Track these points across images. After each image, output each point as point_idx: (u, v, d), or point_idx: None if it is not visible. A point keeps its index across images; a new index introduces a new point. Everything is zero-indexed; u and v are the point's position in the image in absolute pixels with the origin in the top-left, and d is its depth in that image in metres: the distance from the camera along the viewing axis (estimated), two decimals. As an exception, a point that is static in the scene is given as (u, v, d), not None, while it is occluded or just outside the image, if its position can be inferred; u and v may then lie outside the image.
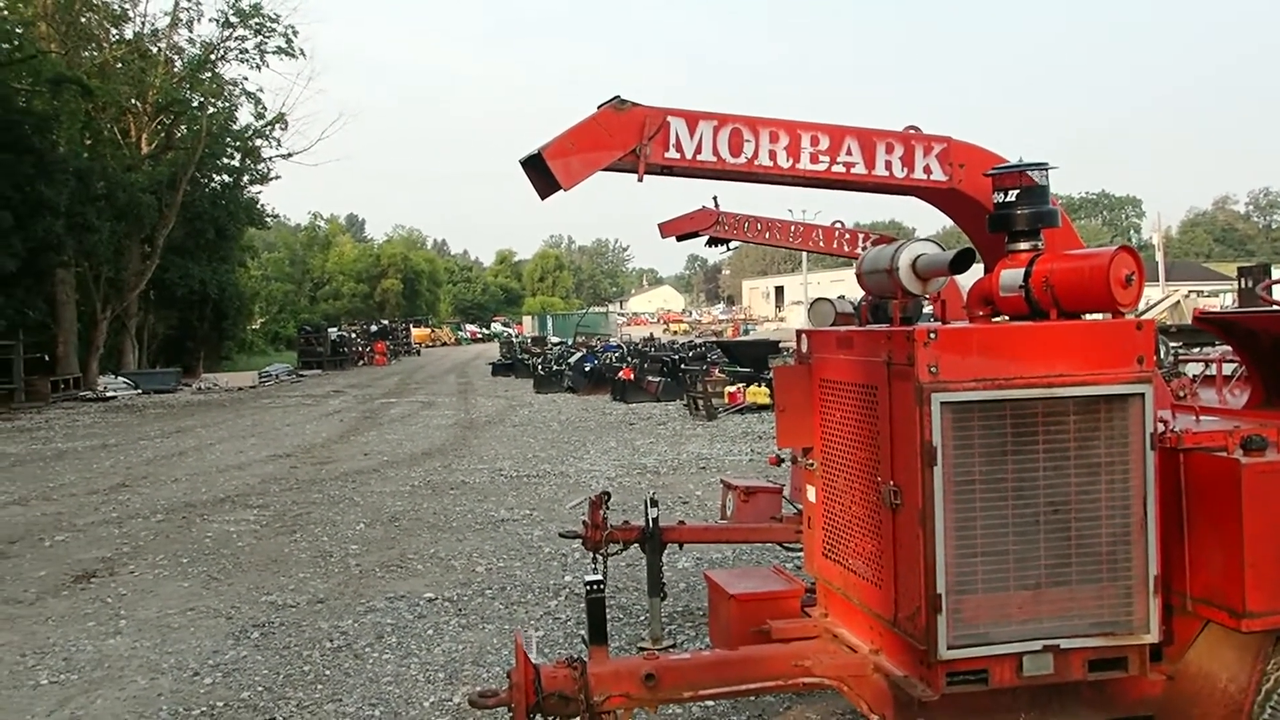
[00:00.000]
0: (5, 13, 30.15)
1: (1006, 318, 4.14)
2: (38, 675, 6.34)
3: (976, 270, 4.28)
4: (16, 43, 29.50)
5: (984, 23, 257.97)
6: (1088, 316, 3.94)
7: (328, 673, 6.20)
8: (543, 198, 4.40)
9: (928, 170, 4.67)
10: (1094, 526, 3.70)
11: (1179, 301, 33.22)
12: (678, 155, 4.42)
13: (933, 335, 3.63)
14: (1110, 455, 3.70)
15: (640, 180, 4.46)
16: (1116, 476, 3.70)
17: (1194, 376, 5.54)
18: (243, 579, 8.55)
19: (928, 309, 4.65)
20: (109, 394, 30.19)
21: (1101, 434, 3.69)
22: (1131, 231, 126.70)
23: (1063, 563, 3.69)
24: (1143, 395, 3.70)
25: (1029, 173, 4.06)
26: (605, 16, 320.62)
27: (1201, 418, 4.10)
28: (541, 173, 4.26)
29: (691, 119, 4.43)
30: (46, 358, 31.45)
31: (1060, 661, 3.71)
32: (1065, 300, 3.85)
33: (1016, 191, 4.06)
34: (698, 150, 4.45)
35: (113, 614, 7.62)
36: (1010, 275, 4.03)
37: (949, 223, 5.79)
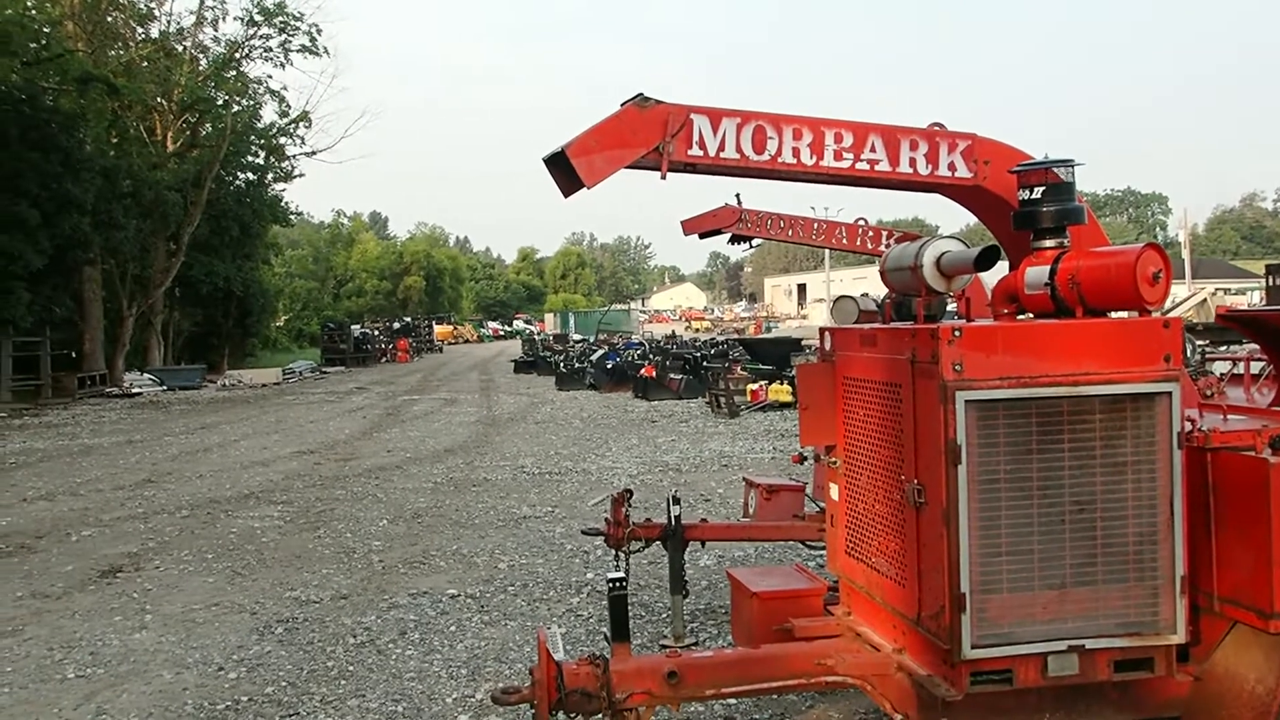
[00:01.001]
0: (33, 12, 30.41)
1: (1032, 315, 4.11)
2: (65, 669, 6.40)
3: (1001, 268, 4.26)
4: (44, 42, 29.75)
5: (1006, 16, 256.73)
6: (1114, 314, 3.92)
7: (351, 668, 6.23)
8: (566, 195, 4.40)
9: (952, 167, 4.65)
10: (1120, 526, 3.68)
11: (1205, 299, 32.99)
12: (701, 153, 4.42)
13: (957, 333, 3.62)
14: (1136, 454, 3.68)
15: (663, 178, 4.45)
16: (1143, 475, 3.68)
17: (1221, 375, 5.51)
18: (267, 575, 8.60)
19: (951, 307, 4.63)
20: (135, 390, 30.45)
21: (1128, 433, 3.67)
22: (1157, 229, 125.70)
23: (1088, 562, 3.67)
24: (1170, 394, 3.67)
25: (1054, 169, 4.03)
26: (628, 16, 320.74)
27: (1229, 416, 4.06)
28: (565, 170, 4.26)
29: (715, 116, 4.42)
30: (73, 354, 31.78)
31: (1085, 662, 3.69)
32: (1091, 298, 3.82)
33: (1042, 188, 4.04)
34: (721, 148, 4.44)
35: (138, 609, 7.68)
36: (1035, 273, 4.01)
37: (973, 220, 5.77)
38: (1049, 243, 4.05)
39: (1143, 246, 3.77)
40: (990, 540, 3.62)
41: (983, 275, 4.31)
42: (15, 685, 6.13)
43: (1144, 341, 3.72)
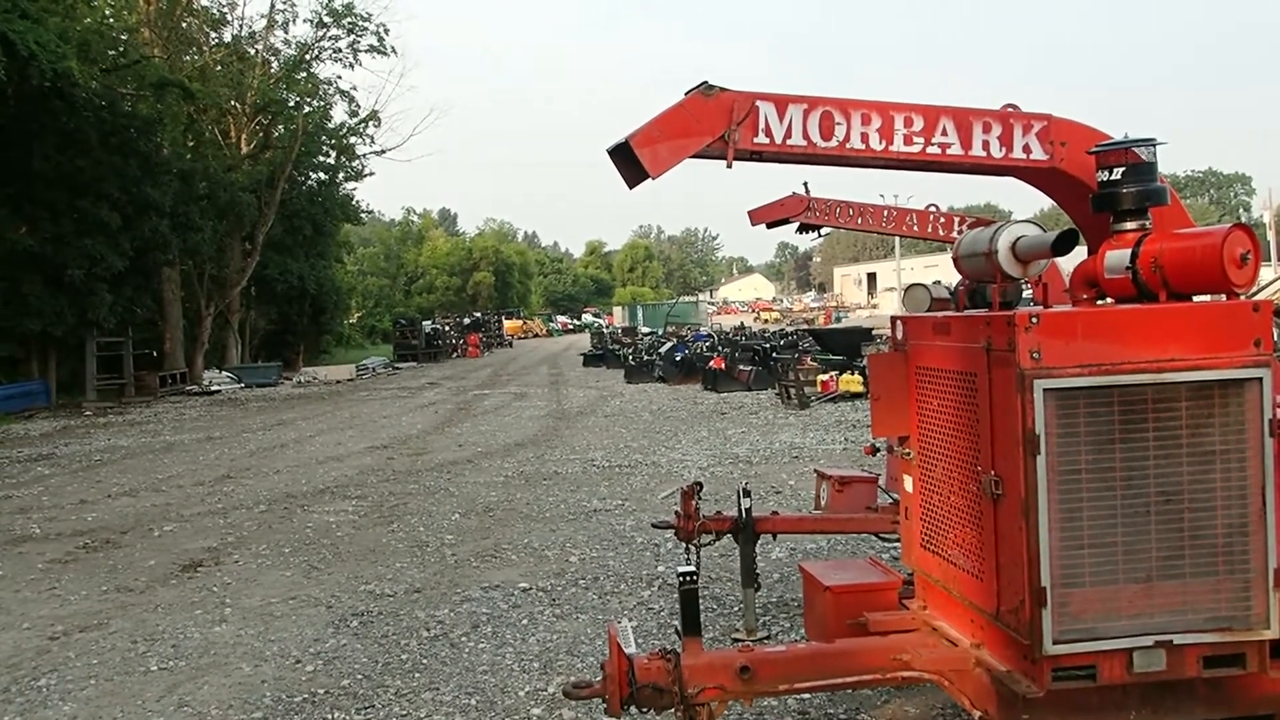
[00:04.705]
0: (111, 20, 31.20)
1: (1112, 300, 3.99)
2: (148, 661, 6.55)
3: (1079, 253, 4.13)
4: (122, 49, 30.52)
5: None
6: (1199, 298, 3.78)
7: (425, 661, 6.28)
8: (631, 186, 4.37)
9: (1027, 149, 4.52)
10: (1209, 517, 3.55)
11: (1293, 281, 31.96)
12: (767, 140, 4.34)
13: (1035, 320, 3.52)
14: (1225, 443, 3.55)
15: (729, 166, 4.39)
16: (1232, 465, 3.55)
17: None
18: (342, 568, 8.71)
19: (1027, 293, 4.51)
20: (213, 388, 31.17)
21: (1216, 420, 3.54)
22: (1241, 210, 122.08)
23: (1175, 555, 3.55)
24: (1260, 380, 3.54)
25: (1135, 149, 3.90)
26: (694, 5, 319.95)
27: (1323, 403, 3.89)
28: (629, 161, 4.22)
29: (781, 103, 4.35)
30: (154, 353, 32.68)
31: (1173, 658, 3.57)
32: (1175, 281, 3.69)
33: (1122, 169, 3.91)
34: (787, 134, 4.36)
35: (218, 602, 7.83)
36: (1116, 256, 3.89)
37: (1048, 204, 5.62)
38: (1130, 225, 3.92)
39: (1230, 227, 3.64)
40: (1071, 533, 3.52)
41: (1059, 260, 4.19)
42: (101, 677, 6.29)
43: (1232, 326, 3.58)
